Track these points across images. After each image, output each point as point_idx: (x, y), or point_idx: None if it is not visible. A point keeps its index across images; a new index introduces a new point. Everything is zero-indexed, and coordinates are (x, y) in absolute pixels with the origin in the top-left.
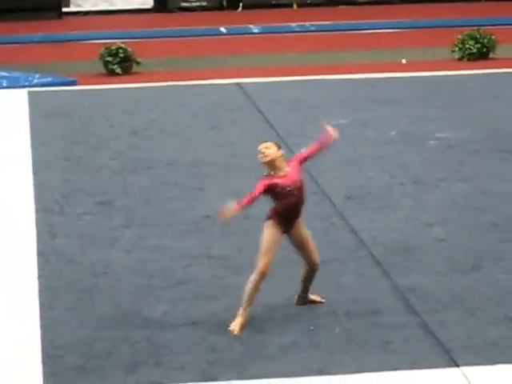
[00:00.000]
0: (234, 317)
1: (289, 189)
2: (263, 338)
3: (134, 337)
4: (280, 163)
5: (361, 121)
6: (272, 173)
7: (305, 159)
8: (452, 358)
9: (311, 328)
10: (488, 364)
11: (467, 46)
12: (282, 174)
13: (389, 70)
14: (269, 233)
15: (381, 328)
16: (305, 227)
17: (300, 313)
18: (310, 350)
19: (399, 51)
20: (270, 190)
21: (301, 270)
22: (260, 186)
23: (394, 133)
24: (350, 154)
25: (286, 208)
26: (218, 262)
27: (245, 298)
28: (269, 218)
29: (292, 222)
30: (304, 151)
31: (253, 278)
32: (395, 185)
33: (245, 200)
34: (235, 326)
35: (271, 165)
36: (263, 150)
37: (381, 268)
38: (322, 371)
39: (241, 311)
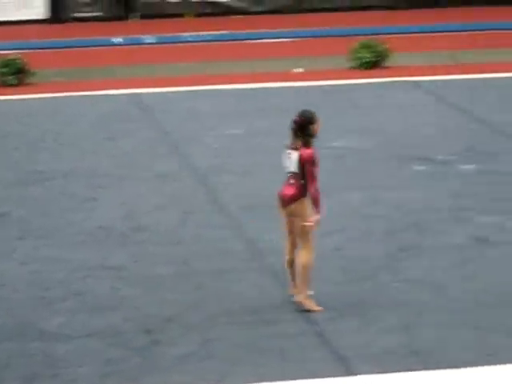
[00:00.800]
0: (131, 328)
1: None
2: (159, 349)
3: (31, 349)
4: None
5: (256, 130)
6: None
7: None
8: (349, 367)
9: (208, 338)
10: (384, 372)
11: (361, 54)
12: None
13: (283, 79)
14: (306, 210)
15: (278, 337)
16: None
17: (197, 323)
18: (208, 360)
19: (294, 60)
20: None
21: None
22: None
23: (288, 142)
24: (245, 164)
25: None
26: (114, 272)
27: (306, 277)
28: (302, 195)
29: None
30: (309, 172)
31: (308, 257)
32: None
33: (318, 198)
34: (311, 305)
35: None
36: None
37: (278, 277)
38: (219, 382)
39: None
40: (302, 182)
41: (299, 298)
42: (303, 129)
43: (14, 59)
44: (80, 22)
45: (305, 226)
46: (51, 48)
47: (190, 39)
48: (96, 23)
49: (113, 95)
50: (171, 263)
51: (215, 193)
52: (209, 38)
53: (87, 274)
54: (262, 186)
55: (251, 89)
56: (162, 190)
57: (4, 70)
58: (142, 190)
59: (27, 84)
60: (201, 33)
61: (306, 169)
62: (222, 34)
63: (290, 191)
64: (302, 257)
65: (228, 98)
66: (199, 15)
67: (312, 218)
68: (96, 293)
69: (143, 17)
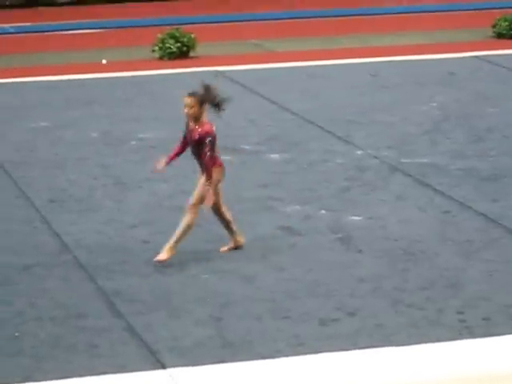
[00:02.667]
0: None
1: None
2: None
3: None
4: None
5: (62, 123)
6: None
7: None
8: (158, 360)
9: (16, 334)
10: (194, 365)
11: (167, 45)
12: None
13: (89, 71)
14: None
15: (87, 332)
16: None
17: (5, 319)
18: (16, 356)
19: (99, 51)
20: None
21: None
22: (197, 134)
23: (95, 134)
24: (51, 157)
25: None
26: None
27: (179, 234)
28: (213, 165)
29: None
30: (206, 147)
31: (188, 220)
32: (97, 187)
33: (172, 154)
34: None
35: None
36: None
37: (85, 271)
38: (27, 378)
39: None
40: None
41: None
42: None
43: None
44: None
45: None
46: None
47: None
48: None
49: None
50: None
51: (21, 187)
52: (13, 31)
53: None
54: (68, 179)
55: (58, 80)
56: None
57: None
58: None
59: None
60: (5, 25)
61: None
62: (26, 26)
63: None
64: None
65: (33, 91)
66: (3, 7)
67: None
68: None
69: None
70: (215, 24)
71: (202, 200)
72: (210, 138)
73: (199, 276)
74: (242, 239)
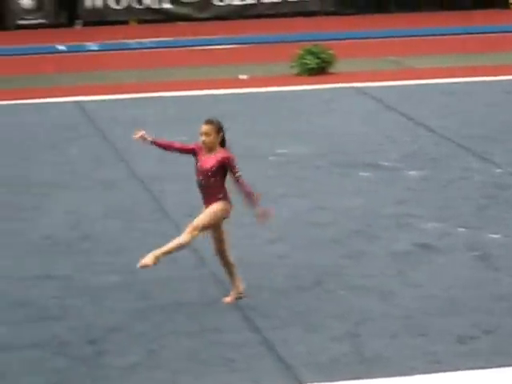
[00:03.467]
0: (77, 338)
1: (197, 170)
2: (105, 360)
3: None
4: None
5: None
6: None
7: (230, 171)
8: (295, 375)
9: (154, 348)
10: (330, 381)
11: (306, 61)
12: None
13: (228, 86)
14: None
15: (223, 346)
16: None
17: (142, 333)
18: (153, 370)
19: (238, 67)
20: (192, 154)
21: None
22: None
23: (233, 149)
24: (189, 171)
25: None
26: (58, 282)
27: (170, 248)
28: (224, 198)
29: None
30: (237, 170)
31: (184, 239)
32: (234, 202)
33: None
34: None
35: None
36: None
37: (222, 286)
38: None
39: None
40: None
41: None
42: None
43: None
44: (24, 29)
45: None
46: None
47: (133, 46)
48: (40, 30)
49: (57, 103)
50: (116, 272)
51: (159, 201)
52: (152, 45)
53: (31, 284)
54: None
55: (196, 96)
56: (106, 199)
57: None
58: (86, 199)
59: None
60: (144, 40)
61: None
62: (165, 41)
63: None
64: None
65: (173, 106)
66: (143, 22)
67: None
68: (40, 303)
69: (87, 24)
70: (354, 40)
71: (207, 226)
72: (235, 160)
73: (336, 292)
74: (241, 286)
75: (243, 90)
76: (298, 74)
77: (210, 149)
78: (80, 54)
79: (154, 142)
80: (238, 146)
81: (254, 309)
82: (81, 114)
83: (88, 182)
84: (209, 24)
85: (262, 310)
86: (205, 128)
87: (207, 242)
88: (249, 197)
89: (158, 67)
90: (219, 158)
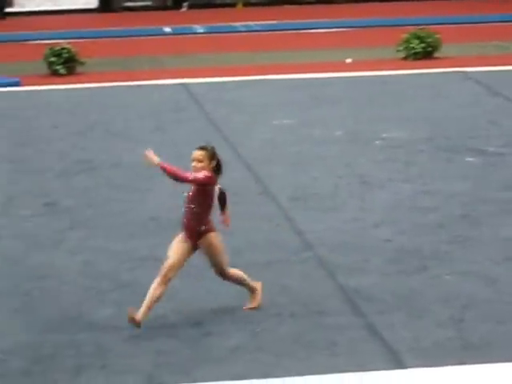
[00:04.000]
0: (182, 319)
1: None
2: (210, 341)
3: (79, 340)
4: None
5: (306, 121)
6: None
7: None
8: (399, 360)
9: (257, 330)
10: (435, 366)
11: (412, 45)
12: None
13: (333, 69)
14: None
15: (326, 329)
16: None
17: (246, 315)
18: (256, 352)
19: (344, 51)
20: (208, 185)
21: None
22: (202, 175)
23: (339, 133)
24: (295, 154)
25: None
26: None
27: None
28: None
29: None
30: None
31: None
32: (341, 185)
33: (169, 167)
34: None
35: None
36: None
37: (326, 269)
38: (267, 374)
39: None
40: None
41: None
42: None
43: (64, 48)
44: (130, 11)
45: None
46: (101, 37)
47: (240, 29)
48: (146, 13)
49: (162, 85)
50: None
51: (265, 184)
52: (259, 28)
53: (136, 265)
54: (312, 176)
55: (302, 79)
56: None
57: (54, 59)
58: None
59: (77, 74)
60: (251, 22)
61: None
62: (272, 24)
63: None
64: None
65: (278, 89)
66: (249, 5)
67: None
68: (145, 284)
69: (193, 6)
70: (460, 25)
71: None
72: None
73: (441, 277)
74: (258, 285)
75: (349, 74)
76: (404, 58)
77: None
78: (186, 36)
79: (160, 166)
80: (343, 130)
81: (357, 292)
82: (187, 96)
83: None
84: (315, 7)
85: (366, 293)
86: (197, 154)
87: (312, 225)
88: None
89: (264, 50)
90: (204, 176)
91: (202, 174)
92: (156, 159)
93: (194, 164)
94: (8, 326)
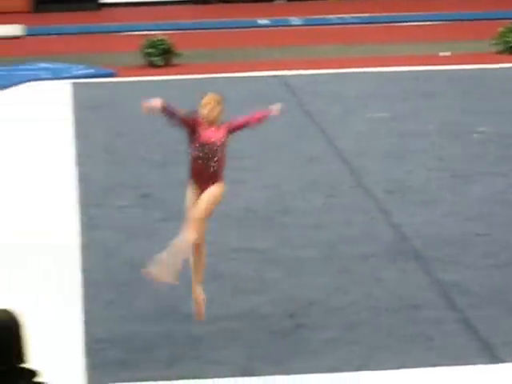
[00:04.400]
0: (276, 311)
1: (199, 144)
2: (304, 333)
3: (174, 331)
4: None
5: (401, 114)
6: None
7: (237, 128)
8: (495, 354)
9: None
10: None
11: (508, 39)
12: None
13: (428, 62)
14: (220, 193)
15: (421, 323)
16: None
17: (340, 307)
18: (351, 345)
19: (438, 44)
20: (190, 127)
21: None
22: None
23: (432, 126)
24: (390, 148)
25: (193, 165)
26: (259, 255)
27: (178, 257)
28: (222, 178)
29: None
30: (240, 119)
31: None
32: (435, 179)
33: (166, 106)
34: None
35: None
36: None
37: (421, 262)
38: (362, 367)
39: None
40: None
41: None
42: None
43: (161, 40)
44: (225, 3)
45: None
46: (197, 29)
47: (335, 21)
48: (242, 4)
49: (258, 77)
50: (316, 246)
51: (360, 176)
52: (353, 21)
53: (231, 257)
54: (407, 169)
55: (396, 72)
56: (307, 173)
57: (150, 50)
58: (287, 173)
59: (173, 65)
60: (346, 15)
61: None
62: (366, 17)
63: None
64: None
65: (372, 81)
66: None
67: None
68: (240, 275)
69: None
70: None
71: (210, 214)
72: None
73: None
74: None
75: (443, 67)
76: (500, 52)
77: (212, 121)
78: (282, 28)
79: (163, 108)
80: (436, 123)
81: (453, 286)
82: (283, 89)
83: (289, 156)
84: (408, 0)
85: (461, 287)
86: (206, 99)
87: (407, 218)
88: (265, 118)
89: (358, 43)
90: (226, 128)
91: (219, 135)
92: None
93: (204, 110)
94: (104, 316)
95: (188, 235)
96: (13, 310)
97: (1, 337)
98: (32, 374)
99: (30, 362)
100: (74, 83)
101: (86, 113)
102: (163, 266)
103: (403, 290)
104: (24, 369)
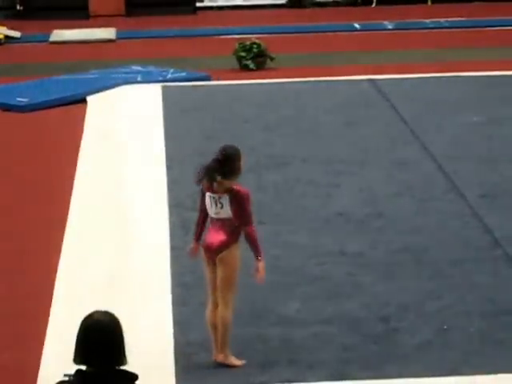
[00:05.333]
0: (368, 315)
1: None
2: (397, 338)
3: (268, 334)
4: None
5: (496, 119)
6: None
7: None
8: None
9: (445, 327)
10: None
11: None
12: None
13: None
14: (237, 259)
15: None
16: None
17: (433, 312)
18: (444, 350)
19: None
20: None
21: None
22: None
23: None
24: (484, 152)
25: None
26: (352, 259)
27: (226, 337)
28: (234, 240)
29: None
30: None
31: (228, 314)
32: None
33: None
34: (234, 361)
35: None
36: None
37: None
38: (455, 371)
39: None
40: (235, 224)
41: (220, 358)
42: (231, 167)
43: (254, 43)
44: (319, 6)
45: (231, 276)
46: (291, 33)
47: (430, 25)
48: (334, 9)
49: (352, 81)
50: (409, 251)
51: (454, 181)
52: (448, 25)
53: (324, 260)
54: (501, 174)
55: (491, 76)
56: (400, 177)
57: (244, 53)
58: (380, 177)
59: (266, 68)
60: (440, 19)
61: (243, 208)
62: (460, 21)
63: (220, 237)
64: (223, 313)
65: (468, 86)
66: (439, 1)
67: (259, 267)
68: (333, 279)
69: (381, 2)
70: None
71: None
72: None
73: None
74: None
75: None
76: None
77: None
78: (376, 32)
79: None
80: None
81: None
82: (376, 93)
83: (382, 160)
84: (505, 4)
85: None
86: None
87: (502, 222)
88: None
89: (453, 47)
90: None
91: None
92: (262, 264)
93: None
94: (196, 318)
95: (224, 314)
96: (113, 312)
97: (103, 339)
98: (132, 376)
99: (128, 365)
100: (165, 86)
101: (178, 116)
102: (224, 349)
103: (497, 294)
104: (123, 371)
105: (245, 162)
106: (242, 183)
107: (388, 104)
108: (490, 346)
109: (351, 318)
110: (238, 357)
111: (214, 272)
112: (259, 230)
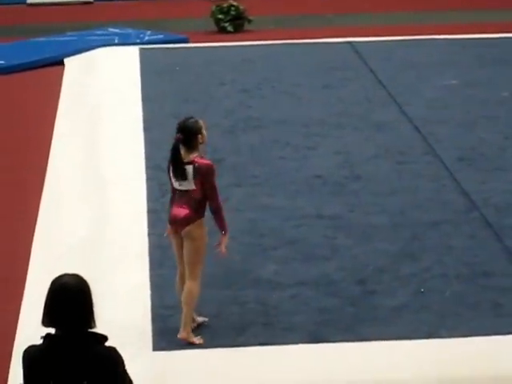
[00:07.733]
0: (345, 278)
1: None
2: (373, 300)
3: (244, 297)
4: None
5: (472, 81)
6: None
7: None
8: None
9: (422, 290)
10: None
11: None
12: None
13: (503, 30)
14: (204, 234)
15: (492, 291)
16: None
17: (410, 275)
18: (420, 312)
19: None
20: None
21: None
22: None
23: (506, 93)
24: (461, 115)
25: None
26: (328, 222)
27: (190, 311)
28: (200, 215)
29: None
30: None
31: (195, 287)
32: (508, 146)
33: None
34: (190, 337)
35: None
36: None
37: (492, 230)
38: (431, 334)
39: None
40: (199, 198)
41: (182, 335)
42: (191, 141)
43: (232, 6)
44: None
45: (198, 250)
46: None
47: None
48: None
49: (329, 43)
50: (386, 213)
51: (431, 143)
52: None
53: (301, 223)
54: (479, 137)
55: (468, 39)
56: (377, 140)
57: (221, 16)
58: (357, 139)
59: (243, 31)
60: None
61: (206, 181)
62: None
63: (184, 210)
64: (190, 286)
65: (446, 48)
66: None
67: (222, 242)
68: (310, 241)
69: None
70: None
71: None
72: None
73: None
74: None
75: None
76: None
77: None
78: None
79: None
80: (509, 91)
81: None
82: (354, 55)
83: (359, 122)
84: None
85: None
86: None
87: (478, 185)
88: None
89: (431, 10)
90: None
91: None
92: (226, 239)
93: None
94: (174, 281)
95: (191, 288)
96: (82, 275)
97: (70, 300)
98: (101, 338)
99: (105, 326)
100: (142, 49)
101: (155, 78)
102: (187, 327)
103: (473, 257)
104: (92, 333)
105: (218, 127)
106: (219, 145)
107: (365, 66)
108: (467, 308)
109: (328, 281)
110: (215, 318)
111: (180, 244)
112: (236, 193)
